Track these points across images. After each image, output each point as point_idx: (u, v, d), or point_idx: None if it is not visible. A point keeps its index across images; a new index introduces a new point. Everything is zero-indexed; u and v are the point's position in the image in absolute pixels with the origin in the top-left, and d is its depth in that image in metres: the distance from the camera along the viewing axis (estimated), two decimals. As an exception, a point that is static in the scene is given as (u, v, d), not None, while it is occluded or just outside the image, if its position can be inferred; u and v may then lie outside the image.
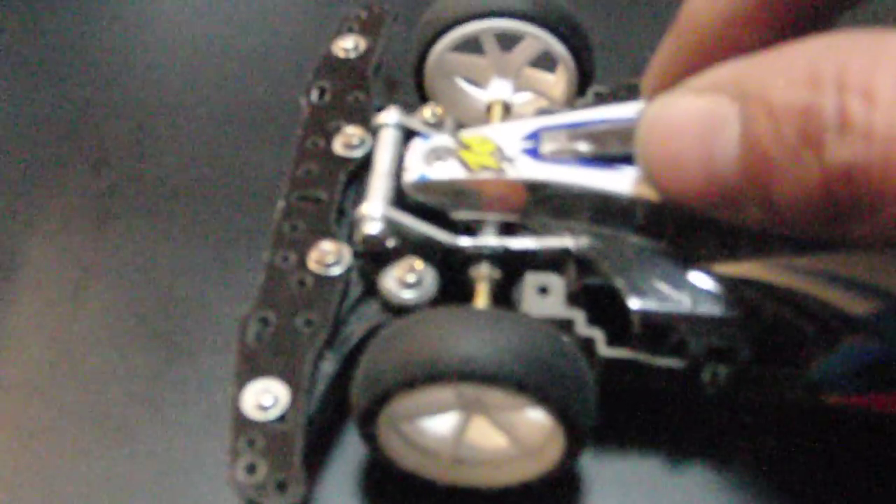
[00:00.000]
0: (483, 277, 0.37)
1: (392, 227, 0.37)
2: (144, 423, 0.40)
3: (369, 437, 0.34)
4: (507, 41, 0.45)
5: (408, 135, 0.41)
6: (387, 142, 0.40)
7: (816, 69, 0.26)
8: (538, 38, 0.43)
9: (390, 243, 0.37)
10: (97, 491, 0.38)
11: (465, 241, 0.37)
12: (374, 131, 0.41)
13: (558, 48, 0.43)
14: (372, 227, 0.37)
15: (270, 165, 0.49)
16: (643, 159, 0.31)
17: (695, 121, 0.29)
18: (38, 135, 0.52)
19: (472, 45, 0.45)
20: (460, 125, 0.42)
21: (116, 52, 0.56)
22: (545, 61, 0.45)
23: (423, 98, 0.46)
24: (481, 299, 0.37)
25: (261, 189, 0.48)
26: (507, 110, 0.45)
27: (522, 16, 0.43)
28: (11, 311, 0.44)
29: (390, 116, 0.41)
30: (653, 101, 0.31)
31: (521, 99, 0.46)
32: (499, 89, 0.45)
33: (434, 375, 0.31)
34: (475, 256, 0.37)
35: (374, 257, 0.38)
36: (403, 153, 0.40)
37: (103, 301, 0.44)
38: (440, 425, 0.35)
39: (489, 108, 0.45)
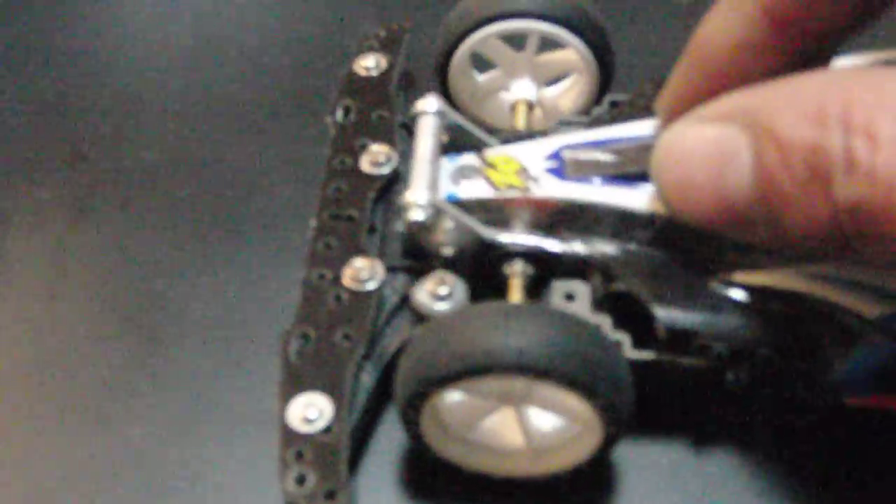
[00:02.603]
0: (517, 274, 0.39)
1: (435, 215, 0.38)
2: (121, 413, 0.41)
3: (411, 427, 0.36)
4: (517, 41, 0.46)
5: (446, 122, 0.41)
6: (427, 129, 0.41)
7: (823, 106, 0.27)
8: (567, 42, 0.45)
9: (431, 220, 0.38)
10: (75, 480, 0.39)
11: (503, 237, 0.39)
12: (413, 118, 0.42)
13: (584, 53, 0.45)
14: (417, 214, 0.38)
15: (246, 160, 0.50)
16: (659, 184, 0.32)
17: (707, 149, 0.30)
18: (14, 128, 0.53)
19: (477, 59, 0.47)
20: (487, 128, 0.43)
21: (93, 45, 0.57)
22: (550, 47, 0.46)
23: (445, 91, 0.47)
24: (515, 294, 0.38)
25: (237, 183, 0.49)
26: (531, 108, 0.46)
27: (554, 19, 0.44)
28: None
29: (429, 104, 0.41)
30: (666, 130, 0.32)
31: (549, 93, 0.48)
32: (524, 89, 0.46)
33: (486, 367, 0.32)
34: (510, 253, 0.39)
35: (407, 269, 0.39)
36: (443, 139, 0.41)
37: (80, 294, 0.45)
38: (479, 416, 0.37)
39: (513, 108, 0.46)
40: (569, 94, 0.48)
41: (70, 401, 0.42)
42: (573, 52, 0.45)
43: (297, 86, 0.54)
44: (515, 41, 0.46)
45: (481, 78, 0.48)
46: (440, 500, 0.38)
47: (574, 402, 0.34)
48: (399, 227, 0.39)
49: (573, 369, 0.32)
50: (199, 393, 0.42)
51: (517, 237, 0.39)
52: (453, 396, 0.36)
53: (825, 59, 0.34)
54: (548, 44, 0.46)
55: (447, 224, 0.38)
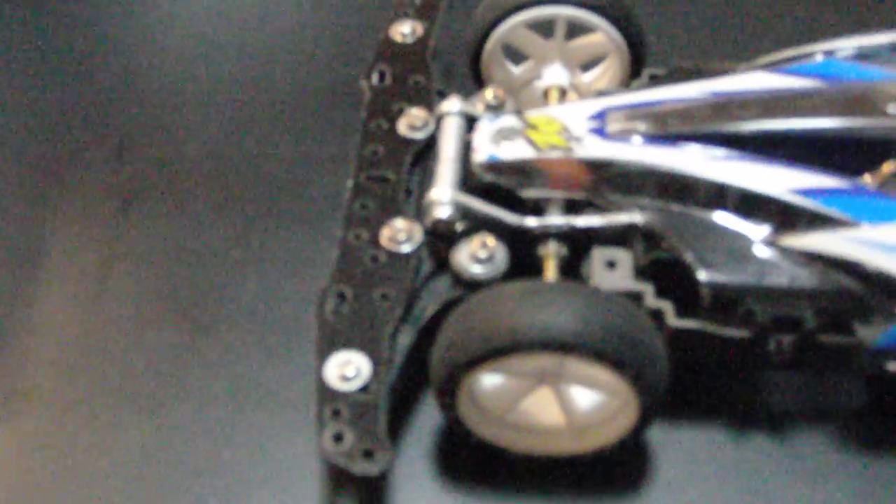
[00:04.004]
0: (551, 255, 0.38)
1: (461, 210, 0.38)
2: (171, 396, 0.41)
3: (447, 406, 0.36)
4: (546, 29, 0.45)
5: (469, 122, 0.41)
6: (451, 129, 0.41)
7: None
8: (596, 25, 0.44)
9: (459, 226, 0.38)
10: (126, 463, 0.39)
11: (531, 222, 0.38)
12: (437, 119, 0.42)
13: (614, 35, 0.45)
14: (441, 212, 0.38)
15: (290, 151, 0.50)
16: None
17: None
18: (61, 122, 0.53)
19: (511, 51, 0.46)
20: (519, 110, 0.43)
21: (138, 39, 0.57)
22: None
23: (478, 80, 0.47)
24: (550, 275, 0.38)
25: (282, 174, 0.49)
26: (564, 95, 0.46)
27: (580, 4, 0.44)
28: (41, 293, 0.45)
29: (452, 105, 0.42)
30: None
31: (585, 79, 0.47)
32: (556, 74, 0.46)
33: (522, 344, 0.32)
34: (543, 235, 0.38)
35: (443, 238, 0.39)
36: (467, 140, 0.41)
37: (128, 282, 0.46)
38: (514, 395, 0.36)
39: (546, 94, 0.46)
40: (604, 77, 0.47)
41: (120, 387, 0.42)
42: (602, 35, 0.45)
43: (342, 77, 0.54)
44: (545, 29, 0.46)
45: (517, 70, 0.48)
46: (479, 481, 0.38)
47: (606, 375, 0.34)
48: (425, 224, 0.39)
49: (598, 342, 0.32)
50: (246, 378, 0.42)
51: (546, 219, 0.38)
52: (491, 379, 0.36)
53: None
54: (577, 29, 0.45)
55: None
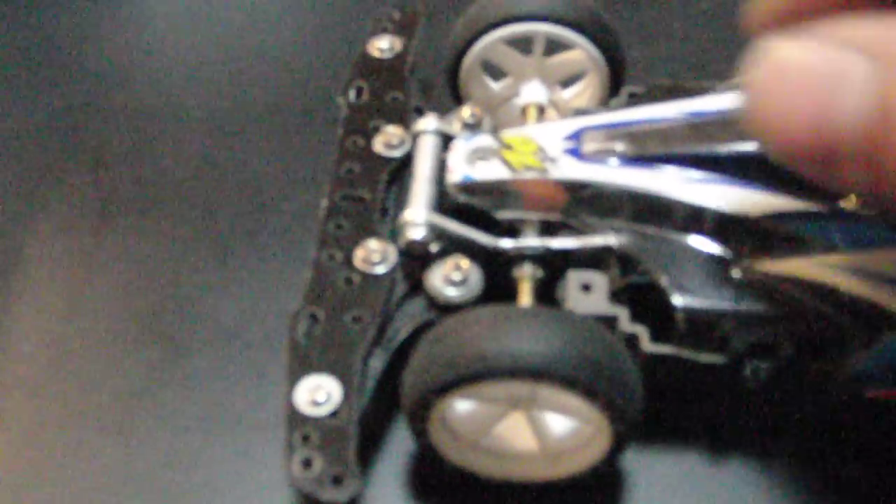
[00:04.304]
0: (526, 277, 0.38)
1: (435, 232, 0.38)
2: (143, 420, 0.41)
3: (419, 432, 0.35)
4: (525, 46, 0.45)
5: (446, 141, 0.41)
6: (426, 148, 0.41)
7: None
8: (574, 42, 0.44)
9: (434, 247, 0.38)
10: (96, 487, 0.39)
11: (506, 243, 0.38)
12: (413, 137, 0.42)
13: (592, 52, 0.44)
14: (416, 233, 0.38)
15: (268, 166, 0.50)
16: (753, 100, 0.29)
17: (818, 72, 0.27)
18: (37, 136, 0.52)
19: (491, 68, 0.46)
20: (496, 128, 0.42)
21: (115, 53, 0.57)
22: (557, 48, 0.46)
23: (456, 97, 0.46)
24: (525, 298, 0.37)
25: (258, 191, 0.49)
26: (542, 112, 0.45)
27: (558, 20, 0.43)
28: (12, 310, 0.45)
29: (428, 123, 0.41)
30: (774, 41, 0.29)
31: (564, 96, 0.47)
32: (534, 92, 0.46)
33: (491, 372, 0.32)
34: (518, 257, 0.38)
35: (418, 258, 0.38)
36: (443, 159, 0.40)
37: (102, 300, 0.45)
38: (487, 421, 0.36)
39: (524, 111, 0.45)
40: (583, 95, 0.47)
41: (91, 408, 0.41)
42: (581, 52, 0.45)
43: (319, 94, 0.53)
44: (523, 46, 0.45)
45: (496, 86, 0.47)
46: None
47: (578, 402, 0.33)
48: (399, 243, 0.38)
49: (568, 369, 0.32)
50: (219, 399, 0.41)
51: (521, 241, 0.38)
52: (463, 404, 0.35)
53: None
54: (557, 46, 0.45)
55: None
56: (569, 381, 0.32)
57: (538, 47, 0.45)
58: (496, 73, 0.47)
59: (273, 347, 0.42)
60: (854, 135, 0.27)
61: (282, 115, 0.52)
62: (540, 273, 0.38)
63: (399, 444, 0.39)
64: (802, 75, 0.28)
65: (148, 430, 0.40)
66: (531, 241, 0.38)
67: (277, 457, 0.37)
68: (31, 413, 0.41)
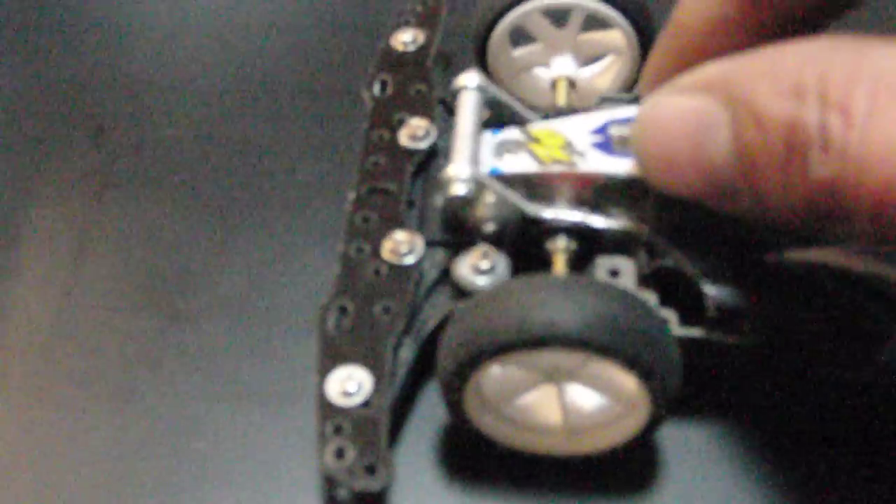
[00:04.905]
0: (560, 249, 0.38)
1: (478, 188, 0.37)
2: (145, 387, 0.41)
3: (454, 403, 0.35)
4: (559, 17, 0.45)
5: (487, 99, 0.41)
6: (468, 104, 0.40)
7: (800, 79, 0.26)
8: (614, 22, 0.44)
9: (471, 212, 0.38)
10: (98, 453, 0.39)
11: (547, 213, 0.38)
12: (454, 93, 0.41)
13: (630, 34, 0.44)
14: (459, 188, 0.37)
15: (272, 137, 0.50)
16: (638, 155, 0.32)
17: (685, 119, 0.30)
18: (37, 104, 0.52)
19: (517, 34, 0.46)
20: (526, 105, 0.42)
21: (115, 20, 0.57)
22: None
23: (483, 67, 0.46)
24: (560, 269, 0.37)
25: (263, 160, 0.49)
26: (573, 86, 0.45)
27: None
28: (13, 278, 0.45)
29: (470, 79, 0.41)
30: (645, 101, 0.32)
31: (586, 73, 0.47)
32: (562, 65, 0.46)
33: (548, 339, 0.31)
34: (553, 229, 0.38)
35: (453, 224, 0.38)
36: (484, 117, 0.40)
37: (103, 268, 0.45)
38: (518, 391, 0.36)
39: (554, 85, 0.45)
40: (606, 74, 0.47)
41: (92, 375, 0.41)
42: (617, 32, 0.45)
43: (325, 62, 0.53)
44: (558, 17, 0.45)
45: (517, 52, 0.47)
46: (479, 477, 0.37)
47: (625, 380, 0.33)
48: (439, 201, 0.38)
49: (636, 348, 0.32)
50: (224, 369, 0.41)
51: (560, 212, 0.38)
52: (495, 370, 0.35)
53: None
54: (590, 23, 0.45)
55: (489, 199, 0.37)
56: (632, 359, 0.32)
57: (576, 21, 0.45)
58: (518, 39, 0.47)
59: (276, 317, 0.42)
60: (729, 173, 0.29)
61: (288, 84, 0.52)
62: (574, 246, 0.38)
63: (430, 418, 0.38)
64: (674, 125, 0.30)
65: (149, 397, 0.40)
66: (570, 213, 0.38)
67: (281, 430, 0.39)
68: (31, 381, 0.41)
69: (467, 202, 0.37)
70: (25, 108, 0.52)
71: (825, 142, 0.26)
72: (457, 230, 0.39)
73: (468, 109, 0.40)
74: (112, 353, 0.42)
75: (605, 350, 0.31)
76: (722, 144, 0.29)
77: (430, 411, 0.38)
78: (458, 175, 0.37)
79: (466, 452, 0.38)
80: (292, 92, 0.52)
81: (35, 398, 0.41)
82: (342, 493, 0.36)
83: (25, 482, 0.38)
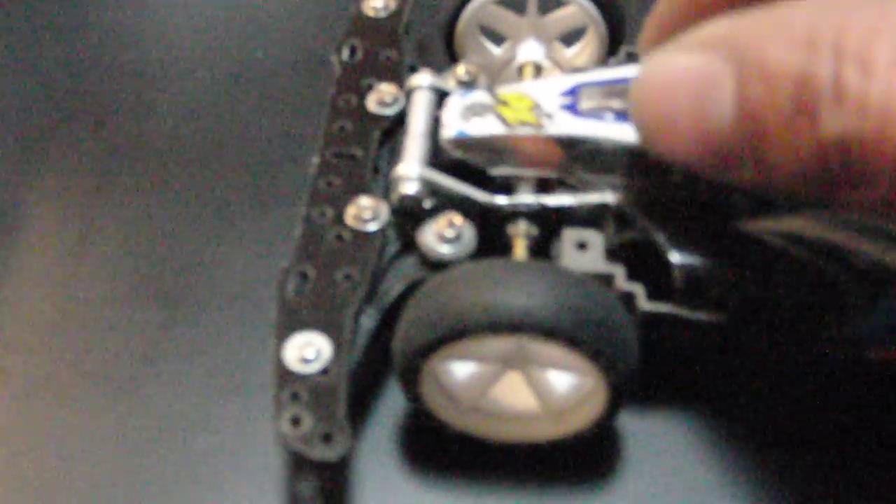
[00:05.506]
0: (520, 234, 0.37)
1: (428, 187, 0.37)
2: (146, 379, 0.40)
3: (413, 397, 0.35)
4: (520, 6, 0.45)
5: (440, 97, 0.40)
6: (420, 103, 0.40)
7: (814, 32, 0.25)
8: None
9: (427, 204, 0.37)
10: (98, 446, 0.38)
11: (501, 200, 0.37)
12: (407, 93, 0.41)
13: (587, 7, 0.44)
14: (409, 188, 0.37)
15: (271, 126, 0.49)
16: (636, 117, 0.31)
17: (688, 79, 0.28)
18: (38, 94, 0.51)
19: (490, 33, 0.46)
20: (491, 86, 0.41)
21: (115, 12, 0.56)
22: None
23: (452, 59, 0.46)
24: (519, 254, 0.37)
25: (262, 149, 0.48)
26: (539, 71, 0.45)
27: None
28: (13, 269, 0.44)
29: (423, 79, 0.41)
30: (646, 59, 0.30)
31: (565, 55, 0.46)
32: (531, 51, 0.45)
33: (486, 326, 0.31)
34: (512, 214, 0.37)
35: (411, 215, 0.38)
36: (437, 115, 0.40)
37: (104, 259, 0.44)
38: (483, 383, 0.35)
39: (521, 70, 0.45)
40: (583, 53, 0.46)
41: (93, 368, 0.40)
42: (575, 7, 0.44)
43: (328, 55, 0.52)
44: (518, 5, 0.45)
45: (497, 51, 0.47)
46: (440, 467, 0.37)
47: (566, 354, 0.32)
48: (392, 199, 0.38)
49: (547, 319, 0.31)
50: (226, 361, 0.41)
51: (517, 197, 0.37)
52: (457, 367, 0.35)
53: None
54: (553, 3, 0.44)
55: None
56: (549, 332, 0.31)
57: (532, 6, 0.44)
58: (498, 38, 0.46)
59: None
60: (732, 136, 0.27)
61: (288, 77, 0.52)
62: (535, 231, 0.37)
63: (393, 403, 0.38)
64: (676, 85, 0.28)
65: (150, 389, 0.40)
66: (526, 197, 0.37)
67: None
68: (30, 373, 0.40)
69: (418, 200, 0.37)
70: (25, 101, 0.51)
71: (838, 94, 0.24)
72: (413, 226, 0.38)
73: (420, 109, 0.40)
74: (112, 346, 0.41)
75: (520, 330, 0.31)
76: (725, 104, 0.27)
77: (393, 403, 0.38)
78: (407, 174, 0.37)
79: (428, 443, 0.37)
80: (293, 85, 0.51)
81: (36, 391, 0.40)
82: (304, 487, 0.35)
83: (27, 475, 0.37)
